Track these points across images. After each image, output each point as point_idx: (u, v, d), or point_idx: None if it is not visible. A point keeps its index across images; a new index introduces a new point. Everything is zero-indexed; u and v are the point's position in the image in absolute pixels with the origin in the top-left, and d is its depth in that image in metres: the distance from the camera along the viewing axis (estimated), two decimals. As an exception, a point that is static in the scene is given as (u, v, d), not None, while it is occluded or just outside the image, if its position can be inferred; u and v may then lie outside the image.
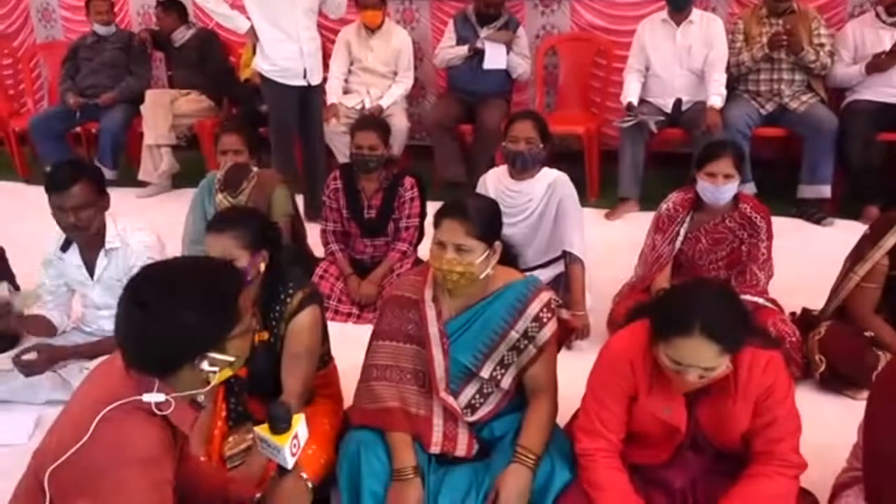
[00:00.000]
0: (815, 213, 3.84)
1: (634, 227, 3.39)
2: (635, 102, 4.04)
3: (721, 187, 2.61)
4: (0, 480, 1.54)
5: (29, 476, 1.40)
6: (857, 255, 2.45)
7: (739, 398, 1.63)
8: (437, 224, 1.87)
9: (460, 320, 1.90)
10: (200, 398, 1.39)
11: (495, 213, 1.94)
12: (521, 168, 2.88)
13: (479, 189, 2.99)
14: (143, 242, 2.50)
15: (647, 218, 2.93)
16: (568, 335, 2.14)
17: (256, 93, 4.30)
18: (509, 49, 4.35)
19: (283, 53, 3.85)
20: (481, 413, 1.92)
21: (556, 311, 1.90)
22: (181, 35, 4.93)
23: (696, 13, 4.02)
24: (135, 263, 2.44)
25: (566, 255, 2.87)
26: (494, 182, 2.97)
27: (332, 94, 4.41)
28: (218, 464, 1.95)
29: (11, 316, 2.47)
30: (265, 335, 2.00)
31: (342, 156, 4.20)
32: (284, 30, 3.83)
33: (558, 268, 2.95)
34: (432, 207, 2.02)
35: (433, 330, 1.89)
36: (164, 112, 4.73)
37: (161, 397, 1.32)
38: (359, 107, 4.40)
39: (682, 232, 2.73)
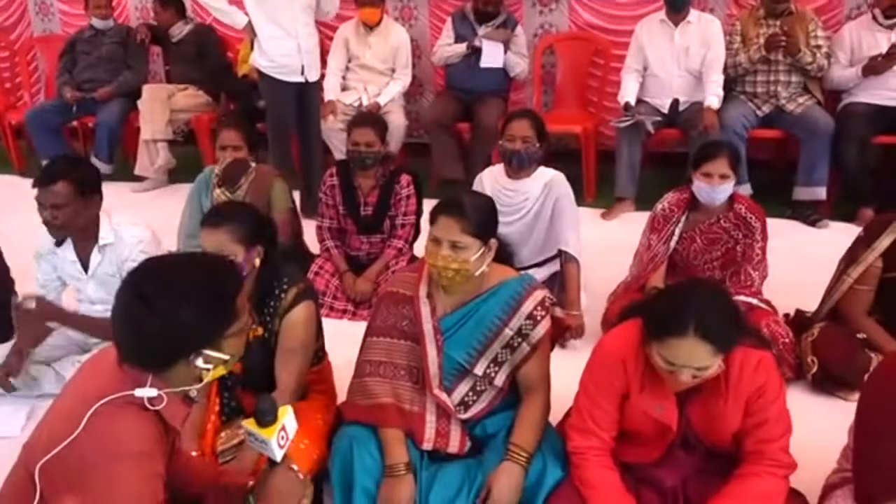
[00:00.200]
0: (809, 214, 3.86)
1: (630, 227, 3.39)
2: (632, 102, 4.05)
3: (717, 187, 2.61)
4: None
5: (19, 469, 1.39)
6: (851, 257, 2.45)
7: (731, 397, 1.64)
8: (433, 220, 1.87)
9: (455, 317, 1.90)
10: (193, 393, 1.39)
11: (491, 210, 1.94)
12: (518, 167, 2.88)
13: (476, 187, 2.99)
14: (136, 237, 2.49)
15: (644, 218, 2.93)
16: (562, 333, 2.15)
17: (254, 89, 4.30)
18: (507, 48, 4.35)
19: (280, 49, 3.86)
20: (474, 410, 1.92)
21: (550, 309, 1.91)
22: (179, 30, 4.92)
23: (694, 14, 4.03)
24: (127, 257, 2.44)
25: (561, 255, 2.88)
26: (491, 180, 2.97)
27: (330, 91, 4.41)
28: (210, 458, 1.95)
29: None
30: (259, 330, 2.00)
31: (339, 152, 4.20)
32: (282, 26, 3.83)
33: (554, 267, 2.96)
34: (429, 205, 2.02)
35: (427, 326, 1.89)
36: (161, 107, 4.73)
37: (153, 392, 1.32)
38: (356, 104, 4.40)
39: (678, 232, 2.74)
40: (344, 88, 4.51)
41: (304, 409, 1.96)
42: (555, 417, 1.96)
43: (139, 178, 4.80)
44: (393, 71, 4.53)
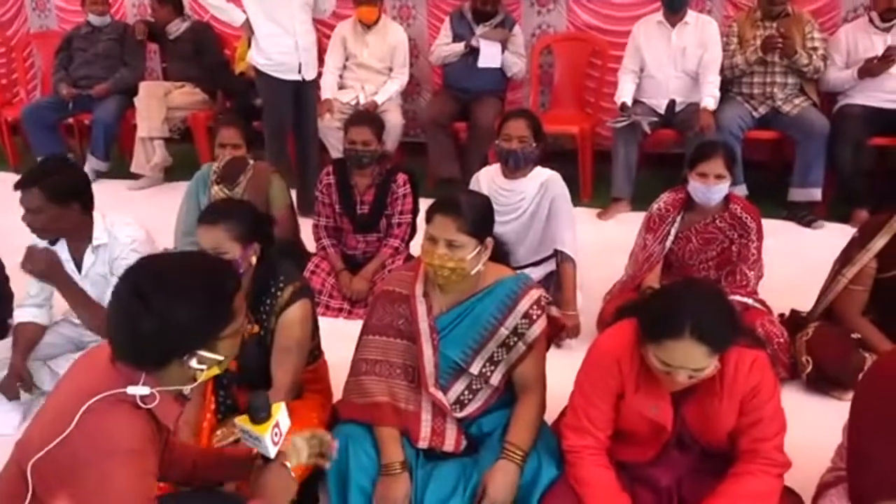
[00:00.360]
0: (805, 215, 3.87)
1: (627, 227, 3.40)
2: (629, 103, 4.05)
3: (712, 187, 2.62)
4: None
5: (11, 467, 1.39)
6: (846, 257, 2.46)
7: (725, 397, 1.64)
8: (429, 219, 1.87)
9: (451, 316, 1.90)
10: (186, 392, 1.38)
11: (487, 209, 1.94)
12: (514, 166, 2.88)
13: (472, 187, 2.99)
14: (130, 236, 2.47)
15: (640, 218, 2.94)
16: (558, 333, 2.15)
17: (251, 86, 4.29)
18: (505, 47, 4.36)
19: (278, 47, 3.85)
20: (470, 409, 1.92)
21: (546, 308, 1.91)
22: (176, 27, 4.92)
23: (691, 15, 4.04)
24: (118, 256, 2.41)
25: (557, 254, 2.88)
26: (487, 180, 2.97)
27: (327, 90, 4.40)
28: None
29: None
30: (256, 328, 2.00)
31: (335, 151, 4.20)
32: (280, 23, 3.83)
33: (550, 266, 2.95)
34: (425, 204, 2.02)
35: (423, 325, 1.89)
36: (157, 104, 4.72)
37: (146, 390, 1.31)
38: (353, 102, 4.40)
39: (673, 232, 2.74)
40: (341, 87, 4.51)
41: (299, 408, 1.96)
42: (550, 416, 1.97)
43: (135, 176, 4.79)
44: (390, 70, 4.53)
